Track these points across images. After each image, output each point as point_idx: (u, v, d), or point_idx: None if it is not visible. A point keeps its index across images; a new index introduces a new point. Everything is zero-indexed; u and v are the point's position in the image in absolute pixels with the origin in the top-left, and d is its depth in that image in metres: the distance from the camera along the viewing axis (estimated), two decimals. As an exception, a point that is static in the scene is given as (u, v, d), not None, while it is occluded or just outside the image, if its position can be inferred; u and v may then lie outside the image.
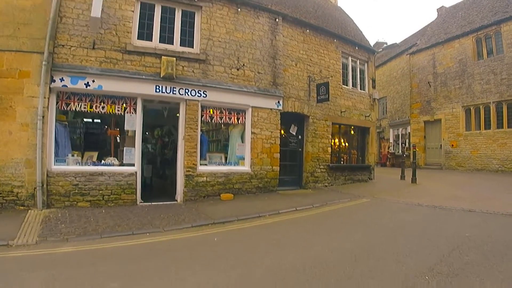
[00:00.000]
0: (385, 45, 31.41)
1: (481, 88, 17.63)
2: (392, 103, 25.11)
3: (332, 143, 12.32)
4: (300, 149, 11.44)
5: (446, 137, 19.34)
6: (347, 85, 12.85)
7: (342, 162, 12.54)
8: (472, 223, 6.20)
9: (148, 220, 6.42)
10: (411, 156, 13.44)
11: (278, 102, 10.49)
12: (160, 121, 11.27)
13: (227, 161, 9.96)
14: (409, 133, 22.33)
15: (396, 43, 29.12)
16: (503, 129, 16.67)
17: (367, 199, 9.30)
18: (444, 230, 5.74)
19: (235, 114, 9.80)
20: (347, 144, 12.85)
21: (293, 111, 10.96)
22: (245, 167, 9.94)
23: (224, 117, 9.67)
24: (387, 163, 23.81)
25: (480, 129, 17.81)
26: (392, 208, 7.98)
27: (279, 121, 10.44)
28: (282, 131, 10.82)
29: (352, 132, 13.24)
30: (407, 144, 22.29)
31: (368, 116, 13.27)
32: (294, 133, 11.38)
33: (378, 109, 14.53)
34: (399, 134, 24.05)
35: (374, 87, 13.79)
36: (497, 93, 16.89)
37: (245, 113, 9.97)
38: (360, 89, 13.37)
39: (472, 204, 7.96)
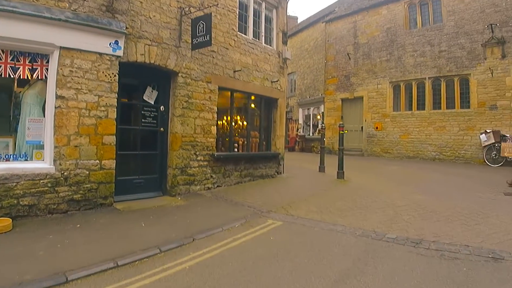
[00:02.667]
0: (296, 19, 28.01)
1: (414, 61, 14.81)
2: (302, 79, 21.75)
3: (221, 121, 7.88)
4: (162, 129, 6.71)
5: (369, 118, 16.38)
6: (246, 34, 8.41)
7: (236, 150, 8.13)
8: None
9: None
10: (337, 142, 9.59)
11: (116, 42, 5.66)
12: None
13: (16, 151, 5.01)
14: (322, 112, 19.09)
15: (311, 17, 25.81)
16: (441, 110, 14.03)
17: (276, 221, 5.03)
18: None
19: (27, 62, 4.79)
20: (244, 122, 8.48)
21: (149, 62, 6.18)
22: (44, 164, 5.05)
23: (4, 67, 4.56)
24: (296, 147, 20.57)
25: (412, 110, 15.04)
26: (332, 252, 3.75)
27: (117, 78, 5.67)
28: (126, 99, 6.00)
29: (253, 105, 8.90)
30: (320, 125, 19.06)
31: (276, 81, 9.04)
32: (152, 102, 6.62)
33: (287, 80, 9.46)
34: (310, 115, 20.88)
35: (285, 42, 9.58)
36: (434, 68, 14.14)
37: (47, 60, 4.98)
38: (265, 43, 9.03)
39: (482, 235, 4.15)
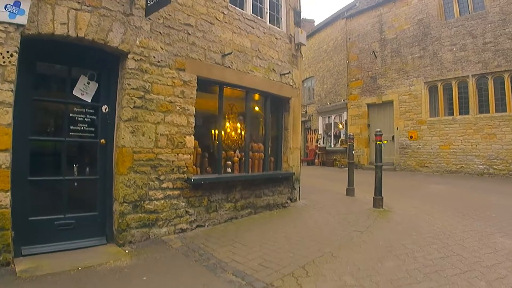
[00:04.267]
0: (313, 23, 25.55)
1: (453, 56, 12.18)
2: (321, 84, 19.23)
3: (204, 129, 5.41)
4: (103, 141, 4.28)
5: (402, 125, 13.65)
6: (242, 9, 5.95)
7: (229, 170, 5.57)
8: None
9: None
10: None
11: (17, 4, 3.32)
12: None
13: None
14: (345, 121, 16.45)
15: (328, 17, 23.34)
16: (489, 114, 11.34)
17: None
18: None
19: None
20: (242, 131, 5.91)
21: (76, 35, 3.84)
22: None
23: None
24: (316, 160, 17.96)
25: (453, 114, 12.36)
26: None
27: (16, 60, 3.40)
28: (43, 94, 3.62)
29: (255, 106, 6.37)
30: (342, 135, 16.46)
31: (287, 74, 6.49)
32: (88, 99, 4.24)
33: (301, 73, 6.75)
34: (331, 123, 18.37)
35: (297, 24, 7.07)
36: (479, 63, 11.50)
37: None
38: (271, 23, 6.54)
39: None
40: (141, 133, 4.36)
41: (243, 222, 5.37)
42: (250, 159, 5.91)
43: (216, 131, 5.40)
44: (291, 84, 6.65)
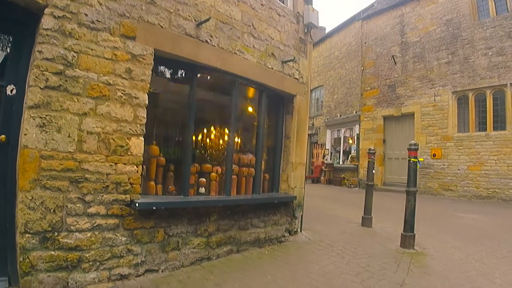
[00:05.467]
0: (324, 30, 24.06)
1: (489, 62, 10.47)
2: (331, 94, 17.60)
3: (162, 129, 3.76)
4: (3, 138, 2.66)
5: (423, 141, 11.84)
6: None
7: (203, 190, 3.87)
8: None
9: None
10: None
11: None
12: None
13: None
14: (357, 134, 14.73)
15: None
16: (530, 130, 9.53)
17: None
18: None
19: None
20: (225, 136, 4.22)
21: None
22: None
23: None
24: (322, 178, 16.18)
25: (486, 130, 10.55)
26: None
27: None
28: None
29: (247, 106, 4.73)
30: (352, 151, 14.76)
31: (292, 62, 4.82)
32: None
33: (311, 65, 5.02)
34: (340, 138, 16.62)
35: (307, 0, 5.43)
36: (520, 70, 9.76)
37: None
38: (273, -3, 4.92)
39: None
40: (55, 129, 2.75)
41: (218, 265, 3.68)
42: (235, 176, 4.24)
43: (185, 135, 3.73)
44: (297, 77, 5.01)
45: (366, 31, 14.94)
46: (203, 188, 3.90)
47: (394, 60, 13.32)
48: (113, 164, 3.09)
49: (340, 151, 16.27)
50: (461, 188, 10.74)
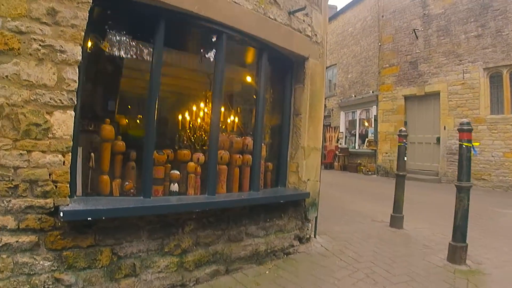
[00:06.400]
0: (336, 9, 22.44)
1: (526, 34, 8.99)
2: (345, 73, 16.26)
3: (110, 96, 2.60)
4: None
5: (451, 124, 10.48)
6: None
7: (175, 188, 2.71)
8: None
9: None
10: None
11: None
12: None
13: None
14: (374, 116, 13.42)
15: None
16: None
17: None
18: None
19: None
20: (208, 111, 3.02)
21: None
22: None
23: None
24: (335, 163, 14.95)
25: (525, 111, 9.17)
26: None
27: None
28: None
29: (241, 71, 3.50)
30: (370, 134, 13.45)
31: (302, 11, 3.57)
32: None
33: (327, 23, 3.68)
34: (355, 120, 15.30)
35: None
36: None
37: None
38: None
39: None
40: None
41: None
42: (223, 166, 3.07)
43: (147, 111, 2.56)
44: (309, 33, 3.77)
45: (383, 4, 13.54)
46: (175, 184, 2.76)
47: (415, 34, 11.93)
48: (25, 152, 1.97)
49: (355, 135, 15.03)
50: (495, 178, 9.45)
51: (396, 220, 4.76)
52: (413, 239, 4.26)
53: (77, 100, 2.11)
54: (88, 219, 2.11)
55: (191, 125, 3.22)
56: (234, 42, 3.10)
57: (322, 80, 3.98)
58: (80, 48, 2.11)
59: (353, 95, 15.13)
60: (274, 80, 3.75)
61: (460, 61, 10.59)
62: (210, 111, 2.95)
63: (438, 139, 10.94)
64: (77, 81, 2.10)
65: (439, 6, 11.38)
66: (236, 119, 3.54)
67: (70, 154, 2.08)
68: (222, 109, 3.09)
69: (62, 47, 2.04)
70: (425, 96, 11.55)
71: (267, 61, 3.40)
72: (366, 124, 14.51)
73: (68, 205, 2.06)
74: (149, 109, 2.53)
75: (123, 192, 2.59)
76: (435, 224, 5.00)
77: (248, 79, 3.73)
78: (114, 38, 2.71)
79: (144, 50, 2.57)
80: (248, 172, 3.27)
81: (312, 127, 3.75)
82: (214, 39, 2.95)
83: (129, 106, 2.94)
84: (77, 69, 2.09)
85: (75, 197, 2.24)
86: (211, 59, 3.00)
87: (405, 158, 4.96)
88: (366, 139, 13.94)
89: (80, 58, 2.10)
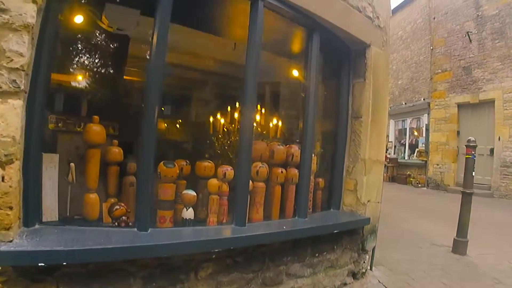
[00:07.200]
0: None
1: None
2: (394, 80, 15.35)
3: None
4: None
5: (506, 134, 9.56)
6: None
7: (189, 215, 1.87)
8: None
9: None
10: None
11: None
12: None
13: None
14: (426, 125, 12.51)
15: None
16: None
17: None
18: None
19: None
20: (233, 113, 2.20)
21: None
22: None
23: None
24: (384, 174, 13.74)
25: None
26: None
27: None
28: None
29: (293, 65, 2.69)
30: (420, 144, 12.88)
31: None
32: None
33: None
34: (405, 129, 14.39)
35: None
36: None
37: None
38: None
39: None
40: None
41: None
42: (261, 184, 2.23)
43: (146, 108, 1.78)
44: (369, 14, 2.91)
45: (435, 5, 12.65)
46: (190, 209, 1.94)
47: (469, 37, 10.90)
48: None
49: (405, 144, 14.24)
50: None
51: (459, 245, 4.00)
52: (480, 271, 3.48)
53: (32, 84, 1.36)
54: (41, 265, 1.33)
55: (218, 128, 2.43)
56: (275, 15, 2.28)
57: (386, 75, 3.11)
58: (33, 6, 1.35)
59: (404, 103, 14.23)
60: (327, 73, 2.90)
61: (517, 66, 9.50)
62: (244, 112, 2.13)
63: (492, 151, 9.96)
64: (28, 55, 1.34)
65: (492, 7, 10.43)
66: (280, 123, 2.71)
67: (15, 164, 1.32)
68: (258, 107, 2.26)
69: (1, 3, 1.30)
70: (479, 104, 10.56)
71: (318, 47, 2.55)
72: (416, 133, 13.63)
73: (10, 241, 1.29)
74: (150, 105, 1.75)
75: (116, 218, 1.81)
76: (498, 248, 4.29)
77: (294, 72, 2.90)
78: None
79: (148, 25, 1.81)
80: (293, 192, 2.42)
81: (375, 134, 2.85)
82: (248, 11, 2.14)
83: (130, 98, 2.18)
84: (27, 37, 1.34)
85: (36, 226, 1.49)
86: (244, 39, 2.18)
87: (473, 173, 4.05)
88: (417, 149, 13.06)
89: (32, 20, 1.35)
